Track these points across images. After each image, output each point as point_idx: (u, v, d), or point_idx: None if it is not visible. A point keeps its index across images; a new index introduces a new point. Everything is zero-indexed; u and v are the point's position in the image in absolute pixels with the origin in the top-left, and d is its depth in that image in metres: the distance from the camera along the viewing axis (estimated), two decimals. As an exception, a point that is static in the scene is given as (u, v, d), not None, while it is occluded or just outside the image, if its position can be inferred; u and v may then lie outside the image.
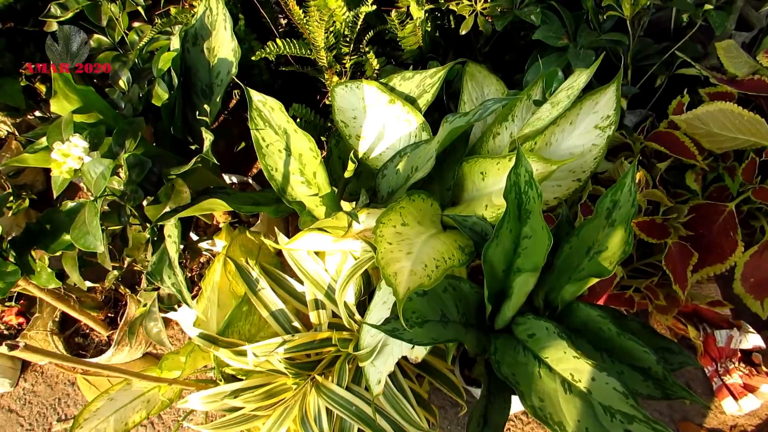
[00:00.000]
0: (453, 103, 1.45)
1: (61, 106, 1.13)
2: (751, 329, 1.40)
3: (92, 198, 1.09)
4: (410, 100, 1.21)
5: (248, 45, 1.56)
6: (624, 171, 1.12)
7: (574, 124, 1.00)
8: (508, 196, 0.87)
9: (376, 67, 1.45)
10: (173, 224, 1.17)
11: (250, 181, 1.73)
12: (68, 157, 1.05)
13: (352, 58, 1.43)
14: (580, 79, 0.97)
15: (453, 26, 1.49)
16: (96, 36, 1.56)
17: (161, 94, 1.28)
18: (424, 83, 1.21)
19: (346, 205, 1.16)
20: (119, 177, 1.16)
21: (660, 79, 1.54)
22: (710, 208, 1.16)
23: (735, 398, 1.40)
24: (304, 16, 1.38)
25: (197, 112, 1.35)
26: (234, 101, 1.91)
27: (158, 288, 1.30)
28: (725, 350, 1.42)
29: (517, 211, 0.89)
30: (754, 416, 1.44)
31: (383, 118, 1.19)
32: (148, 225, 1.22)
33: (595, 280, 0.91)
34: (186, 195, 1.17)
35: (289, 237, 1.22)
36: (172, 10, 1.50)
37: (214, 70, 1.33)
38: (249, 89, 1.11)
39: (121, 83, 1.37)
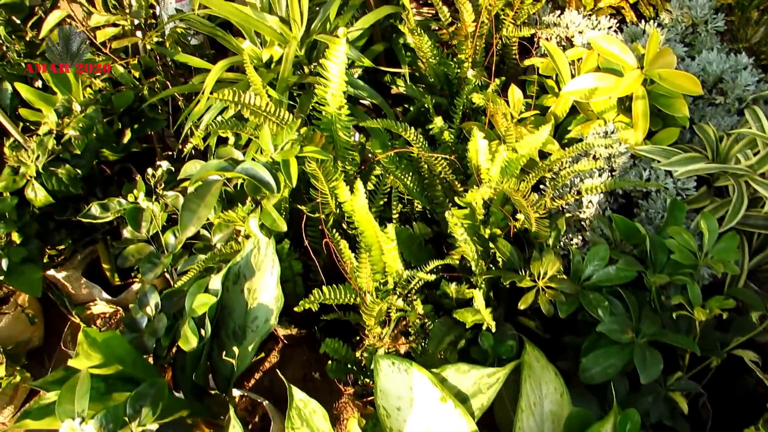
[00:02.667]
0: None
1: (81, 363, 1.02)
2: None
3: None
4: (462, 398, 1.09)
5: (288, 263, 1.47)
6: None
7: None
8: None
9: (421, 313, 1.35)
10: None
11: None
12: (77, 439, 0.92)
13: (399, 311, 1.34)
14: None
15: (507, 286, 1.41)
16: (130, 227, 1.49)
17: (190, 338, 1.16)
18: (480, 382, 1.09)
19: None
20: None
21: (715, 360, 1.44)
22: None
23: None
24: (357, 262, 1.30)
25: (224, 352, 1.24)
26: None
27: None
28: None
29: None
30: None
31: (430, 418, 1.07)
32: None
33: None
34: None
35: None
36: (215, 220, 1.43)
37: (251, 314, 1.23)
38: (292, 386, 1.00)
39: (148, 309, 1.26)
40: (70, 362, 1.01)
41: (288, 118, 1.17)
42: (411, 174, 1.43)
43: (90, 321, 1.77)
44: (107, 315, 1.82)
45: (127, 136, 1.51)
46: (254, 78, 1.22)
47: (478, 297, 1.13)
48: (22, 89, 1.35)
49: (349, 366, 1.41)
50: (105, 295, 1.75)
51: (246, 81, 1.42)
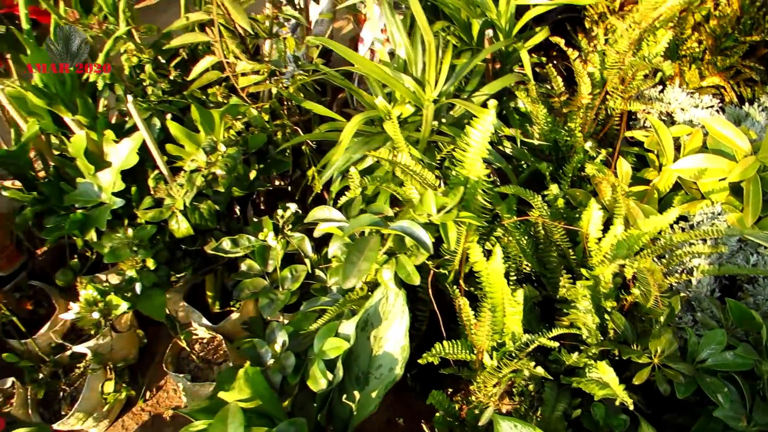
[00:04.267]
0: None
1: (232, 396, 1.07)
2: None
3: None
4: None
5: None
6: None
7: None
8: None
9: (527, 376, 1.38)
10: None
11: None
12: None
13: (512, 373, 1.37)
14: None
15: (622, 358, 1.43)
16: (248, 260, 1.55)
17: (319, 379, 1.21)
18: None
19: None
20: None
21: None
22: None
23: None
24: (475, 320, 1.34)
25: (345, 395, 1.28)
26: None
27: None
28: None
29: None
30: None
31: (556, 486, 1.10)
32: None
33: None
34: None
35: None
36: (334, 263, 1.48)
37: (375, 361, 1.28)
38: None
39: (276, 346, 1.32)
40: (222, 395, 1.07)
41: (431, 178, 1.23)
42: (527, 237, 1.47)
43: (189, 344, 1.83)
44: (204, 340, 1.88)
45: (253, 174, 1.59)
46: (399, 139, 1.29)
47: (608, 372, 1.16)
48: (172, 126, 1.44)
49: (449, 419, 1.44)
50: (205, 321, 1.81)
51: (377, 135, 1.50)
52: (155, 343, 2.01)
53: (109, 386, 1.62)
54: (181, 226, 1.37)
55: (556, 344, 1.25)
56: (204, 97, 1.65)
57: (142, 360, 1.98)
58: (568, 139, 1.78)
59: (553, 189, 1.56)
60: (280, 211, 1.47)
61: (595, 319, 1.28)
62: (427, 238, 1.08)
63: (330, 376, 1.23)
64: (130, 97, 1.21)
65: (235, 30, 1.51)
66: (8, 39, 1.94)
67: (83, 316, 1.31)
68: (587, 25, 2.41)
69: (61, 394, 1.78)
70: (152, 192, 1.46)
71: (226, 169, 1.35)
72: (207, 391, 1.71)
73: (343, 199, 1.39)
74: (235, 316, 1.83)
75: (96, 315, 1.29)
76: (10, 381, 1.74)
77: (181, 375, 1.71)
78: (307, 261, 1.46)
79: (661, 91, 2.00)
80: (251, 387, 1.09)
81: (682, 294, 1.47)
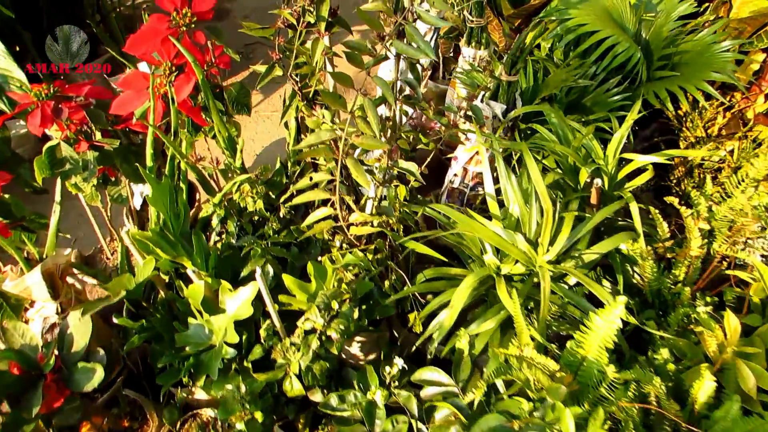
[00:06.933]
0: None
1: None
2: None
3: None
4: None
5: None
6: None
7: None
8: None
9: None
10: None
11: None
12: None
13: None
14: None
15: None
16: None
17: None
18: None
19: None
20: None
21: None
22: None
23: None
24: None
25: None
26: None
27: None
28: None
29: None
30: None
31: None
32: None
33: None
34: None
35: None
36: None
37: None
38: None
39: None
40: None
41: (553, 366, 1.22)
42: (638, 407, 1.44)
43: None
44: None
45: (356, 317, 1.60)
46: (520, 323, 1.28)
47: None
48: (286, 278, 1.46)
49: None
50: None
51: (491, 308, 1.49)
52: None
53: None
54: (294, 387, 1.39)
55: None
56: (312, 235, 1.68)
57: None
58: (673, 287, 1.74)
59: (663, 353, 1.52)
60: (387, 368, 1.47)
61: None
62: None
63: None
64: (258, 270, 1.24)
65: (349, 183, 1.55)
66: (121, 151, 2.03)
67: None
68: (682, 146, 2.38)
69: None
70: (262, 341, 1.49)
71: (341, 332, 1.36)
72: None
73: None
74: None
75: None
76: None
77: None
78: (413, 421, 1.46)
79: (764, 229, 1.94)
80: None
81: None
